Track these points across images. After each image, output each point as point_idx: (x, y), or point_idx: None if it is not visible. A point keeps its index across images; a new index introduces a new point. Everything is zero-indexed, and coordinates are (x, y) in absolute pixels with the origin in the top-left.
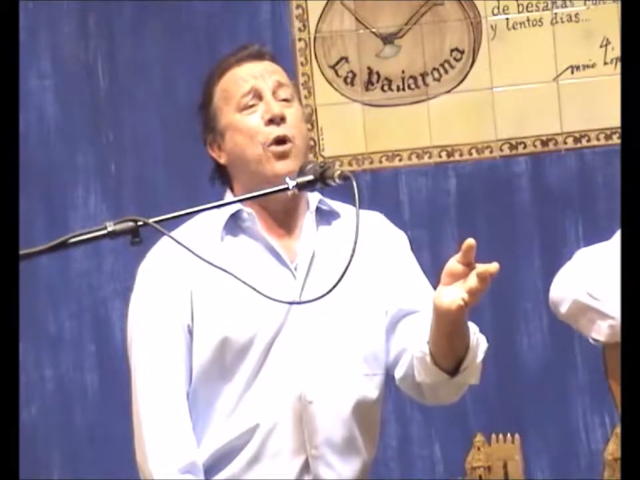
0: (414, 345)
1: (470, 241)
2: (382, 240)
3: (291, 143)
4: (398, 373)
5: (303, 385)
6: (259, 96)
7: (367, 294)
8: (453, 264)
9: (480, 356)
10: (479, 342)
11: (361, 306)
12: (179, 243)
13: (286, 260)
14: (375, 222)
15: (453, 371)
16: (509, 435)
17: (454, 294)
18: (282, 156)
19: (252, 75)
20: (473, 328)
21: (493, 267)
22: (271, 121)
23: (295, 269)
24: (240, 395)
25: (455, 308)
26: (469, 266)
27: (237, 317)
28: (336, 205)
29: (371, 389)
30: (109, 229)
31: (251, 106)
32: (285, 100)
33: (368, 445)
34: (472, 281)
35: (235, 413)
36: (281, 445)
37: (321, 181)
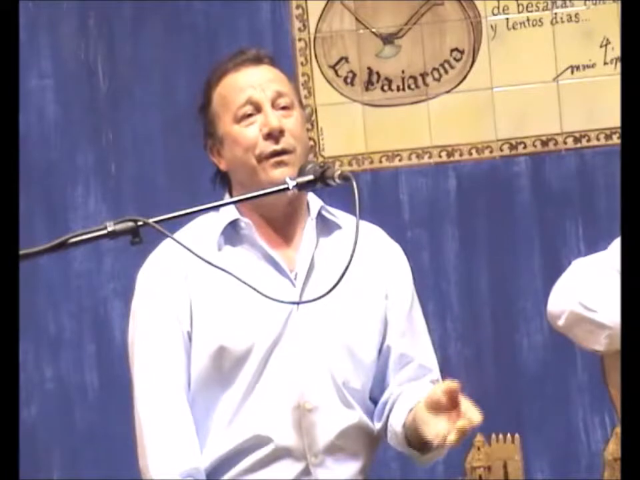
0: (394, 415)
1: (451, 386)
2: (382, 257)
3: (290, 155)
4: (377, 424)
5: (302, 393)
6: (257, 107)
7: (364, 305)
8: (439, 395)
9: None
10: None
11: (358, 316)
12: (179, 243)
13: (284, 268)
14: (377, 237)
15: (426, 449)
16: (508, 435)
17: (440, 428)
18: (279, 164)
19: (250, 84)
20: None
21: (477, 419)
22: (269, 135)
23: (294, 277)
24: (239, 404)
25: (437, 442)
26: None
27: (234, 326)
28: (338, 216)
29: (358, 401)
30: (109, 229)
31: (249, 116)
32: (285, 108)
33: (368, 448)
34: (463, 422)
35: (234, 422)
36: (281, 453)
37: (321, 181)
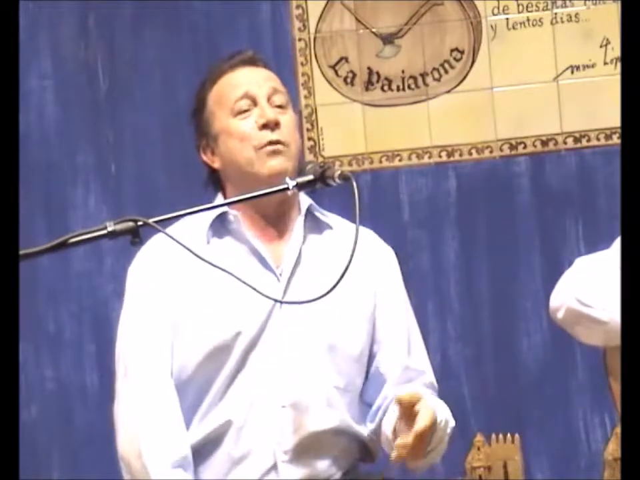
0: (386, 419)
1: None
2: (372, 259)
3: (285, 147)
4: (370, 425)
5: (280, 390)
6: (253, 101)
7: (350, 304)
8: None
9: (446, 437)
10: (446, 424)
11: (344, 318)
12: (181, 244)
13: (270, 263)
14: (368, 239)
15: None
16: (508, 435)
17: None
18: (275, 153)
19: (246, 81)
20: (441, 414)
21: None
22: (265, 126)
23: (280, 273)
24: (217, 395)
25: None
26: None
27: (217, 319)
28: (329, 217)
29: (343, 402)
30: (109, 228)
31: (245, 110)
32: (279, 106)
33: (347, 451)
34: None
35: (211, 412)
36: (251, 446)
37: (321, 180)
